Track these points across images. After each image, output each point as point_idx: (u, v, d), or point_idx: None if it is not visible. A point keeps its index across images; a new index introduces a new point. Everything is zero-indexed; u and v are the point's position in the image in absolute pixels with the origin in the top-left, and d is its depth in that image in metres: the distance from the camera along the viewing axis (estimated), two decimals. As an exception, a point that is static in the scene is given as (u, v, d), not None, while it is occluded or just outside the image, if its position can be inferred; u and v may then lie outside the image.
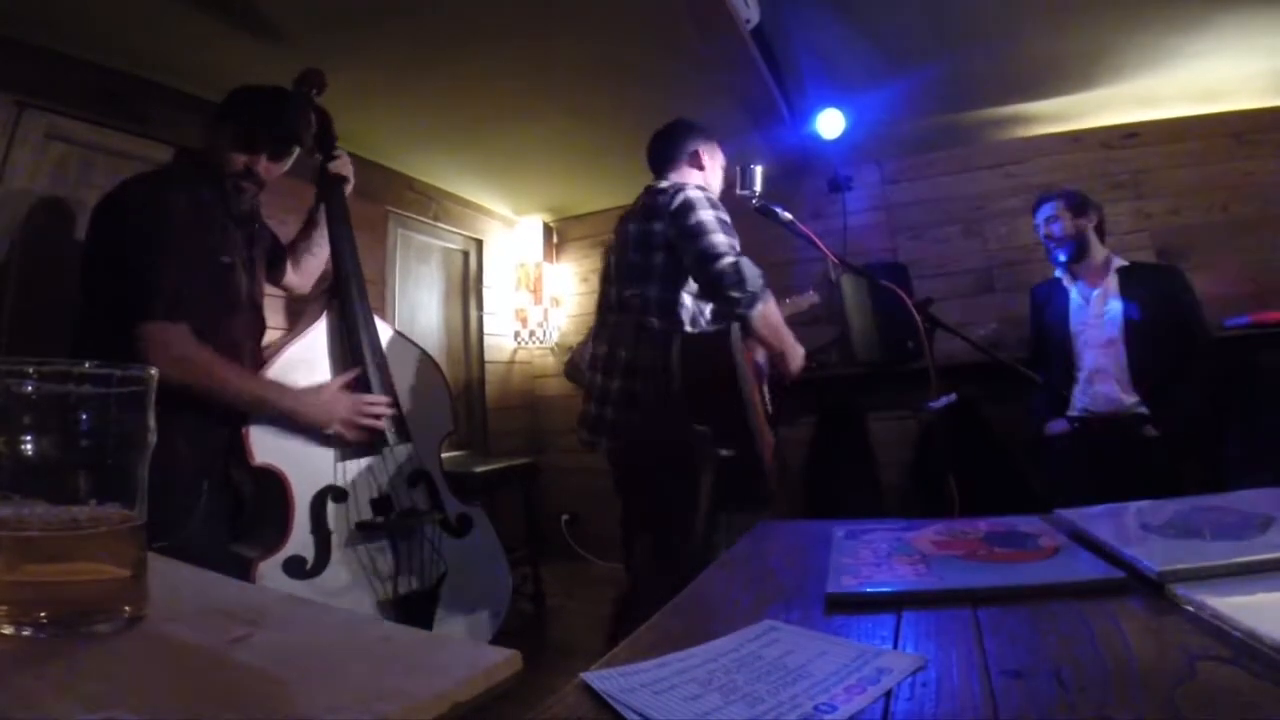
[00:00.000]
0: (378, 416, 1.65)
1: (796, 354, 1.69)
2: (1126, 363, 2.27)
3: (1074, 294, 2.42)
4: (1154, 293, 2.30)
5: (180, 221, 1.40)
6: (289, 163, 1.61)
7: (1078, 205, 2.40)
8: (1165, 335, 2.25)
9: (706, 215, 1.59)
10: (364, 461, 1.67)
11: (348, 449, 1.64)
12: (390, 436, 1.71)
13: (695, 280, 1.64)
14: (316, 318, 1.73)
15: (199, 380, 1.37)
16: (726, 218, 1.63)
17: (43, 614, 0.41)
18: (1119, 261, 2.40)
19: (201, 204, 1.46)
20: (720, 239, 1.57)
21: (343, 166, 1.86)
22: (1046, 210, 2.44)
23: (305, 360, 1.66)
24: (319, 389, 1.62)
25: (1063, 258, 2.41)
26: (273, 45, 2.00)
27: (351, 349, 1.71)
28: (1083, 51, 2.49)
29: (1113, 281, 2.35)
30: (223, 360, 1.44)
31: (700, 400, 1.51)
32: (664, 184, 1.75)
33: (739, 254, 1.57)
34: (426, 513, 1.74)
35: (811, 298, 2.38)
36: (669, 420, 1.52)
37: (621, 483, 1.80)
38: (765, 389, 1.82)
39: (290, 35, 1.96)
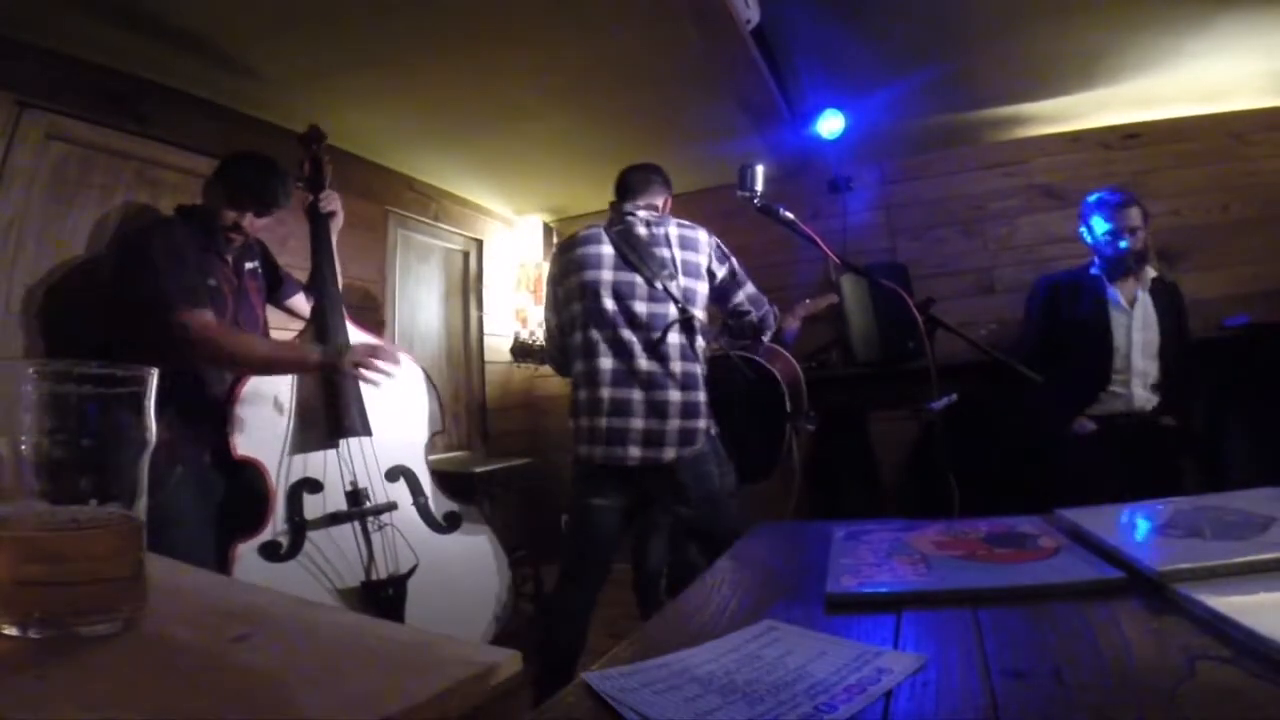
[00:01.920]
0: (383, 366, 1.80)
1: None
2: (1159, 367, 2.30)
3: (1113, 296, 2.36)
4: (1171, 303, 2.36)
5: (184, 246, 1.70)
6: (271, 217, 1.86)
7: (1145, 213, 2.36)
8: (1177, 342, 2.33)
9: (738, 263, 1.98)
10: (338, 454, 1.79)
11: (323, 441, 1.79)
12: (356, 428, 1.82)
13: (735, 314, 1.98)
14: (294, 336, 1.91)
15: (235, 349, 1.66)
16: None
17: (42, 614, 0.41)
18: (1152, 271, 2.40)
19: (184, 240, 1.73)
20: (756, 289, 2.00)
21: (330, 203, 2.03)
22: (1134, 218, 2.32)
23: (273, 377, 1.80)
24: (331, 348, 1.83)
25: (1129, 267, 2.34)
26: (273, 46, 2.01)
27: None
28: (1083, 51, 2.49)
29: (1146, 292, 2.35)
30: (245, 332, 1.75)
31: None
32: (659, 214, 1.96)
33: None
34: (397, 505, 1.83)
35: (830, 298, 2.60)
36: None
37: (670, 492, 1.82)
38: None
39: (290, 36, 1.96)
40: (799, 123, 2.93)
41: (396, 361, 1.83)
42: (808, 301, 2.58)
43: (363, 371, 1.76)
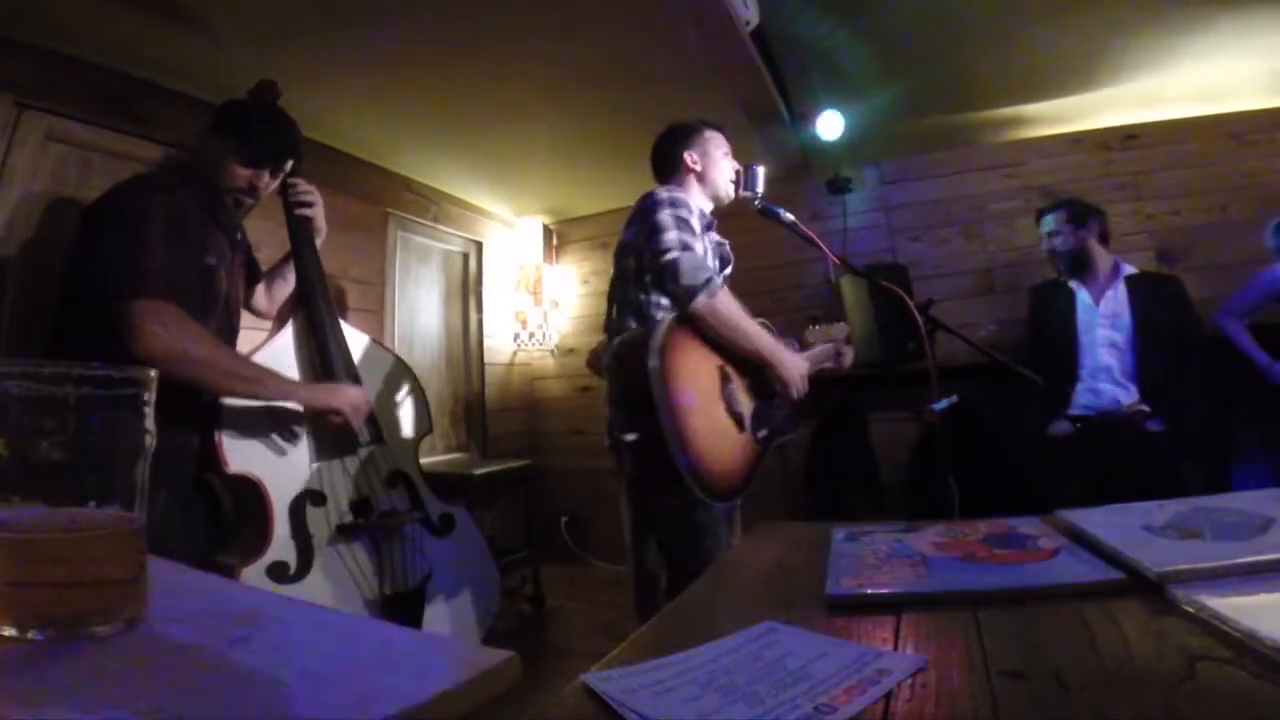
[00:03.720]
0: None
1: (782, 364, 1.63)
2: (1132, 364, 2.32)
3: (1081, 296, 2.44)
4: (1159, 300, 2.37)
5: (167, 218, 1.38)
6: (282, 177, 1.64)
7: (1079, 216, 2.43)
8: (1168, 338, 2.32)
9: (663, 215, 1.58)
10: (340, 464, 1.68)
11: (324, 452, 1.64)
12: (364, 436, 1.72)
13: (653, 280, 1.65)
14: (282, 326, 1.74)
15: (194, 355, 1.33)
16: (684, 214, 1.60)
17: (42, 616, 0.41)
18: (1128, 269, 2.44)
19: (188, 206, 1.45)
20: (670, 235, 1.55)
21: (305, 192, 1.80)
22: (1048, 224, 2.47)
23: (273, 366, 1.64)
24: (329, 385, 1.65)
25: (1064, 270, 2.46)
26: (273, 46, 2.01)
27: (323, 361, 1.71)
28: (1083, 52, 2.49)
29: (1121, 288, 2.39)
30: (220, 341, 1.44)
31: (625, 398, 1.50)
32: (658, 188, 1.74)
33: (686, 248, 1.54)
34: (406, 513, 1.76)
35: (843, 328, 2.05)
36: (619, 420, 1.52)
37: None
38: (742, 395, 1.65)
39: (290, 36, 1.97)
40: (798, 123, 2.93)
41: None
42: (815, 328, 2.03)
43: (357, 416, 1.62)
